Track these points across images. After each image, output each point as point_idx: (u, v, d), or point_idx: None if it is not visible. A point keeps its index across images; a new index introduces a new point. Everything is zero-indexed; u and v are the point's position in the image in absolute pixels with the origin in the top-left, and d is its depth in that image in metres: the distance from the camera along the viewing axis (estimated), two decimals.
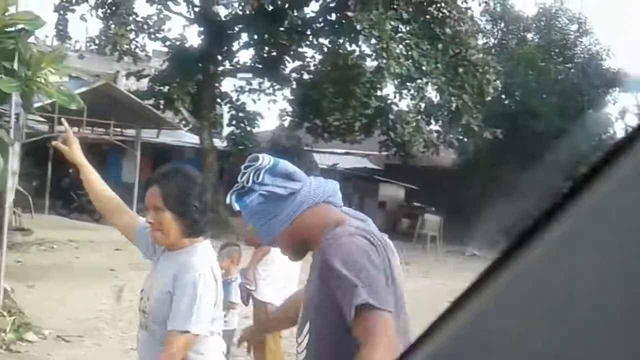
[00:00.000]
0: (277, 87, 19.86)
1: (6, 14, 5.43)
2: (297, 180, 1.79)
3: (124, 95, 14.47)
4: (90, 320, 7.67)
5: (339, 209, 1.88)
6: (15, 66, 5.54)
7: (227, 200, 1.80)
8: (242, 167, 1.79)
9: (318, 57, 18.84)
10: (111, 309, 8.35)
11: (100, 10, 17.54)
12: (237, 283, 5.13)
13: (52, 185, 17.35)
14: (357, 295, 1.57)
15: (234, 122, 19.16)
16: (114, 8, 16.36)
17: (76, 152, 3.03)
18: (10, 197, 8.76)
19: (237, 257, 5.29)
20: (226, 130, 19.44)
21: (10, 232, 9.03)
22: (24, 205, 13.72)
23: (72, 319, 7.56)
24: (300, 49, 18.23)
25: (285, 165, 1.78)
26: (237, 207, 1.78)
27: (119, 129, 16.14)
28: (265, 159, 1.76)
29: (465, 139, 19.35)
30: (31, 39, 5.78)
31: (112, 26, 15.44)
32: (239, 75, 19.92)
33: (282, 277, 4.96)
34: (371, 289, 1.59)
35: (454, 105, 16.93)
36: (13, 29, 5.46)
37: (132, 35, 15.24)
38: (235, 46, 18.65)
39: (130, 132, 17.16)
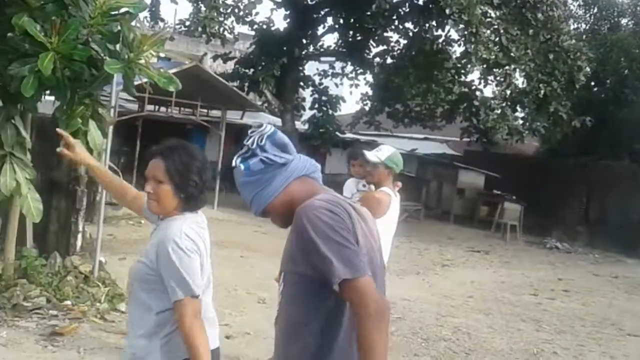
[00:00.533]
0: (359, 71, 19.84)
1: None
2: (290, 153, 2.06)
3: (211, 77, 14.80)
4: None
5: (317, 182, 2.12)
6: (119, 48, 5.78)
7: (233, 163, 2.07)
8: (249, 131, 2.06)
9: (403, 41, 18.66)
10: None
11: None
12: None
13: (139, 162, 17.98)
14: (335, 275, 1.86)
15: (316, 106, 19.30)
16: None
17: (81, 155, 3.01)
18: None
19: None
20: (308, 114, 19.61)
21: (105, 206, 9.47)
22: None
23: None
24: (385, 34, 18.11)
25: (282, 136, 2.05)
26: (242, 167, 2.06)
27: (205, 110, 16.54)
28: (268, 127, 2.05)
29: (552, 127, 18.73)
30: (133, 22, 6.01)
31: (203, 9, 15.81)
32: (323, 59, 20.01)
33: None
34: (345, 262, 1.87)
35: (542, 92, 16.42)
36: (118, 12, 5.66)
37: (221, 19, 15.55)
38: (320, 30, 18.73)
39: (215, 113, 17.57)
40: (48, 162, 7.00)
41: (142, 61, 5.79)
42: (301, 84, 18.94)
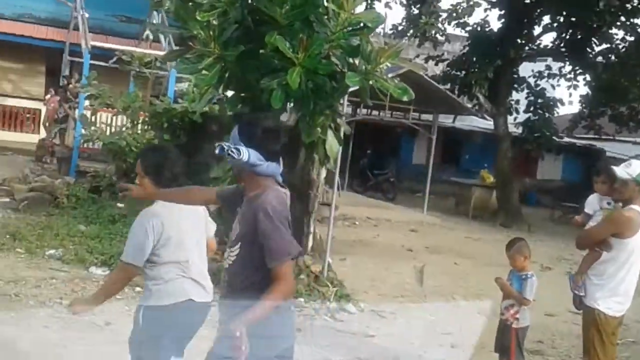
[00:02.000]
0: (579, 71, 18.66)
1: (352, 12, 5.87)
2: (260, 162, 2.80)
3: (424, 80, 14.81)
4: (398, 298, 8.09)
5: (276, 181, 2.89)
6: (357, 61, 6.01)
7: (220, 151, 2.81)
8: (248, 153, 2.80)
9: (629, 38, 17.20)
10: (415, 289, 8.73)
11: None
12: (532, 279, 4.97)
13: (351, 163, 18.54)
14: (274, 259, 2.72)
15: (531, 109, 18.51)
16: None
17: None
18: (323, 174, 9.60)
19: (528, 252, 5.11)
20: (522, 117, 18.87)
21: (320, 206, 9.93)
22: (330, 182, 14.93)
23: (382, 295, 8.06)
24: (610, 31, 16.83)
25: (257, 154, 2.78)
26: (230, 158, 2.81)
27: (416, 114, 16.63)
28: (252, 154, 2.79)
29: None
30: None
31: (422, 15, 15.90)
32: (538, 59, 19.12)
33: (615, 284, 4.68)
34: (280, 247, 2.72)
35: None
36: (357, 27, 5.89)
37: (439, 25, 15.53)
38: (537, 30, 17.91)
39: (425, 116, 17.59)
40: (283, 167, 7.49)
41: (378, 72, 5.97)
42: (515, 86, 18.27)
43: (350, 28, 5.85)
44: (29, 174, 11.39)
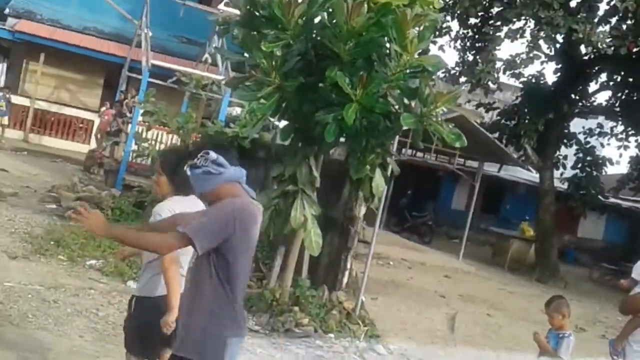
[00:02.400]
0: (631, 132, 18.35)
1: (414, 55, 5.93)
2: (225, 167, 3.09)
3: (473, 126, 14.74)
4: (427, 345, 7.98)
5: (242, 187, 3.17)
6: (414, 103, 6.05)
7: (187, 167, 3.15)
8: (200, 154, 3.11)
9: None
10: (445, 336, 8.60)
11: (459, 43, 18.22)
12: (569, 339, 4.86)
13: (390, 202, 18.45)
14: (189, 226, 3.00)
15: (579, 165, 18.22)
16: (479, 44, 16.81)
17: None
18: (362, 211, 9.59)
19: (567, 311, 5.00)
20: (569, 172, 18.59)
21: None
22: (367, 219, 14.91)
23: (412, 339, 7.97)
24: None
25: (221, 158, 3.09)
26: (189, 173, 3.15)
27: (461, 159, 16.54)
28: (213, 155, 3.09)
29: None
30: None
31: (478, 62, 15.89)
32: (591, 116, 18.89)
33: None
34: (203, 229, 2.99)
35: None
36: (418, 70, 5.94)
37: (495, 74, 15.52)
38: (592, 87, 17.74)
39: (470, 162, 17.47)
40: (327, 201, 7.52)
41: (434, 116, 6.00)
42: (565, 140, 18.05)
43: (411, 70, 5.91)
44: (77, 182, 11.66)
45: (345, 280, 7.74)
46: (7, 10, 19.74)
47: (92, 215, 3.05)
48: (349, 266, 7.79)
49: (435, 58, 5.99)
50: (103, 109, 18.06)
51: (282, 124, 7.86)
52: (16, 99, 19.04)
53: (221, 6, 22.51)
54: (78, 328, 5.68)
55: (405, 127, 6.08)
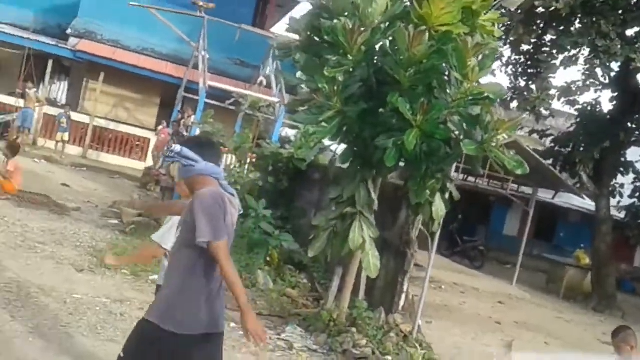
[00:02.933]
0: None
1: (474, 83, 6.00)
2: (194, 161, 3.44)
3: (528, 153, 14.62)
4: None
5: (218, 181, 3.49)
6: (474, 130, 6.10)
7: (167, 160, 3.74)
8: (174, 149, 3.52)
9: None
10: None
11: (510, 68, 18.13)
12: None
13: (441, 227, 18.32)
14: (203, 236, 3.24)
15: (637, 194, 17.82)
16: (531, 70, 16.71)
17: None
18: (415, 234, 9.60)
19: (635, 341, 4.89)
20: (626, 201, 18.19)
21: None
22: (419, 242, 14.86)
23: None
24: None
25: (190, 152, 3.45)
26: (167, 160, 3.71)
27: (515, 185, 16.37)
28: (179, 148, 3.49)
29: None
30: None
31: (532, 88, 15.81)
32: None
33: None
34: (213, 229, 3.24)
35: None
36: (479, 97, 6.00)
37: (550, 101, 15.41)
38: None
39: (524, 189, 17.27)
40: (384, 223, 7.59)
41: (495, 144, 6.03)
42: (621, 169, 17.68)
43: (472, 98, 5.98)
44: (136, 199, 12.00)
45: (402, 303, 7.77)
46: (69, 31, 20.57)
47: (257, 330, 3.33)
48: (405, 289, 7.82)
49: (497, 86, 6.05)
50: (160, 127, 18.58)
51: (336, 146, 8.00)
52: (76, 117, 19.76)
53: (274, 30, 22.96)
54: None
55: (470, 154, 6.10)
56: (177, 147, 3.52)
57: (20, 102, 17.73)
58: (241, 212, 3.72)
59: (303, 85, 7.56)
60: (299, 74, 7.29)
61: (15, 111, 18.01)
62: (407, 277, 7.78)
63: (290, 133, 16.39)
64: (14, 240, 8.37)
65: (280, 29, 25.57)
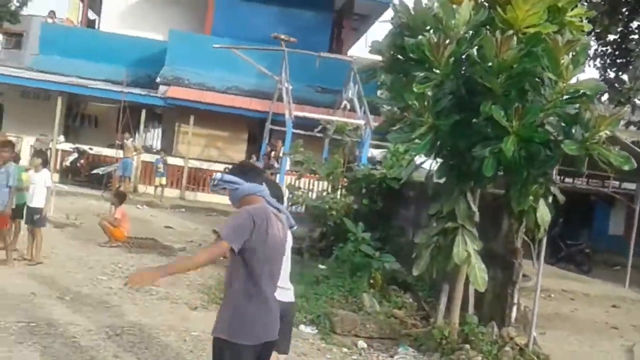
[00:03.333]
0: None
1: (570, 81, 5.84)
2: (238, 184, 3.70)
3: (629, 147, 13.98)
4: None
5: (263, 198, 3.76)
6: (574, 129, 5.92)
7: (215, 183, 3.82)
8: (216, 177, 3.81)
9: None
10: None
11: (598, 61, 17.51)
12: None
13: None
14: (219, 228, 3.50)
15: None
16: (620, 60, 16.10)
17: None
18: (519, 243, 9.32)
19: None
20: None
21: None
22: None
23: None
24: None
25: (231, 177, 3.74)
26: (214, 189, 3.87)
27: (616, 182, 15.68)
28: (219, 175, 3.82)
29: None
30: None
31: (623, 79, 15.20)
32: None
33: None
34: (229, 229, 3.47)
35: None
36: (576, 95, 5.83)
37: None
38: None
39: (627, 185, 16.50)
40: (486, 235, 7.43)
41: (597, 141, 5.83)
42: None
43: (568, 96, 5.82)
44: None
45: (513, 315, 7.56)
46: (158, 79, 21.57)
47: (135, 275, 3.47)
48: (516, 300, 7.61)
49: (593, 81, 5.86)
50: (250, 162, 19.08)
51: (430, 162, 7.93)
52: (171, 160, 20.59)
53: (351, 52, 23.12)
54: None
55: (572, 154, 5.91)
56: (218, 175, 3.82)
57: (120, 153, 18.68)
58: (294, 227, 4.09)
59: (385, 105, 7.58)
60: (379, 92, 7.32)
61: (115, 161, 18.98)
62: (516, 288, 7.57)
63: (375, 153, 16.43)
64: None
65: (357, 51, 25.87)
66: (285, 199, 13.51)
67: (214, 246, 3.53)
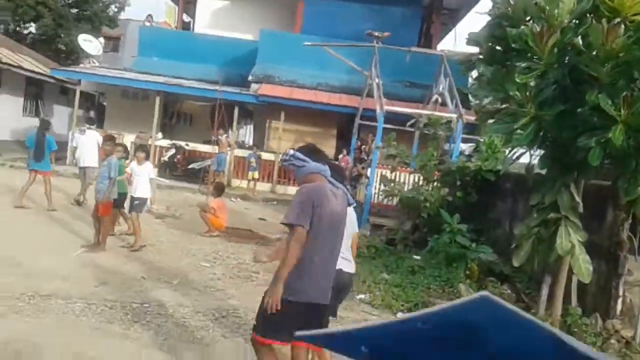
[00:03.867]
0: None
1: None
2: (305, 161, 4.14)
3: None
4: None
5: (324, 177, 4.18)
6: None
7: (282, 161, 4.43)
8: (289, 153, 4.27)
9: None
10: None
11: None
12: None
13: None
14: (284, 218, 4.03)
15: None
16: None
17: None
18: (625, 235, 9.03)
19: None
20: None
21: None
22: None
23: None
24: None
25: (300, 154, 4.18)
26: (284, 164, 4.34)
27: None
28: (292, 151, 4.27)
29: None
30: None
31: None
32: None
33: None
34: (294, 214, 3.95)
35: None
36: None
37: None
38: None
39: None
40: (589, 226, 7.31)
41: None
42: None
43: None
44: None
45: (619, 307, 7.40)
46: (250, 78, 22.18)
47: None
48: (621, 293, 7.44)
49: None
50: (340, 156, 19.32)
51: (528, 153, 7.86)
52: (263, 155, 21.14)
53: (440, 47, 22.94)
54: None
55: None
56: (290, 151, 4.26)
57: (216, 149, 19.40)
58: (353, 204, 4.55)
59: (483, 96, 7.57)
60: (470, 84, 7.27)
61: (210, 157, 19.70)
62: (621, 281, 7.41)
63: (464, 147, 16.30)
64: (231, 271, 9.19)
65: (446, 45, 25.60)
66: (370, 188, 13.81)
67: (293, 238, 3.95)
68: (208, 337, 6.09)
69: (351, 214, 4.93)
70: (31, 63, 26.34)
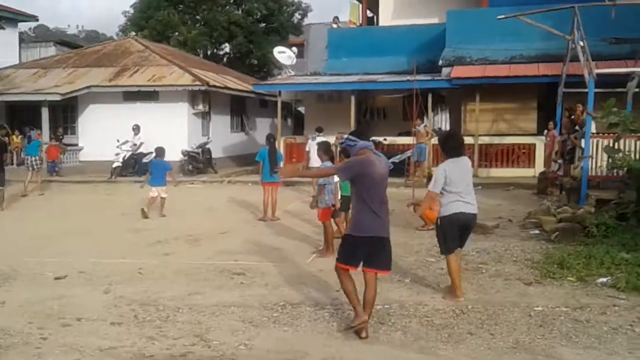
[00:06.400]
0: None
1: None
2: (355, 141, 5.99)
3: None
4: None
5: (370, 151, 5.99)
6: None
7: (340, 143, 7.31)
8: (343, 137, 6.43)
9: None
10: None
11: None
12: None
13: None
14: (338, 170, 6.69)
15: None
16: None
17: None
18: None
19: None
20: None
21: None
22: None
23: None
24: None
25: (351, 137, 6.07)
26: (341, 146, 6.36)
27: None
28: (345, 135, 6.41)
29: None
30: None
31: None
32: None
33: None
34: (340, 171, 6.28)
35: None
36: None
37: None
38: None
39: None
40: None
41: None
42: None
43: None
44: (550, 206, 12.01)
45: None
46: (440, 62, 21.90)
47: (284, 168, 7.15)
48: None
49: None
50: (545, 132, 18.38)
51: None
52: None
53: None
54: (621, 345, 5.79)
55: None
56: (344, 136, 6.27)
57: (414, 140, 19.36)
58: (391, 167, 6.15)
59: None
60: None
61: (408, 148, 19.74)
62: None
63: None
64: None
65: None
66: (585, 161, 12.73)
67: (329, 169, 8.09)
68: (455, 335, 6.10)
69: (467, 163, 7.17)
70: (234, 82, 28.47)
